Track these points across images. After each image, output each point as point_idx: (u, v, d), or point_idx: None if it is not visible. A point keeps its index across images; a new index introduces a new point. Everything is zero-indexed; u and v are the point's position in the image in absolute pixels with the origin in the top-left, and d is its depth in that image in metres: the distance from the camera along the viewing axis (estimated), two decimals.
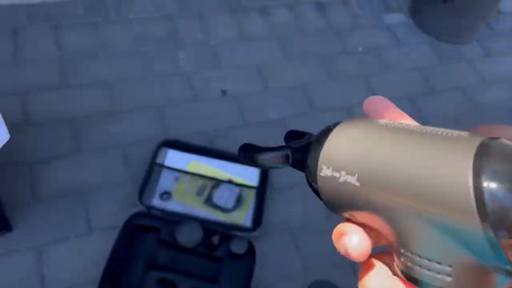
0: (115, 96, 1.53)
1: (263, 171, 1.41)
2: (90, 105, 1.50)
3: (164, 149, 1.40)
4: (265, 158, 0.34)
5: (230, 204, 1.32)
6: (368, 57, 1.89)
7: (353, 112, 1.68)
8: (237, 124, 1.55)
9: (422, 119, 1.72)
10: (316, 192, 0.28)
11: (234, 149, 1.44)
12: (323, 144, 0.27)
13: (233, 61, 1.73)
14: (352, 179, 0.25)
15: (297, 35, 1.88)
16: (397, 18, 2.06)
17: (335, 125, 0.28)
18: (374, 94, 1.73)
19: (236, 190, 1.36)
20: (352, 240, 0.25)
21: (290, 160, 0.32)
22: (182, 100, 1.57)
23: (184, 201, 1.30)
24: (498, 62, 2.02)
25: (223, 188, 1.35)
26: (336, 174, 0.26)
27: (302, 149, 0.31)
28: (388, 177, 0.23)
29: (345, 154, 0.26)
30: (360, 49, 1.90)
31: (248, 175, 1.41)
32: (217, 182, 1.36)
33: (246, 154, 0.35)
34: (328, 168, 0.26)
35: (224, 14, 1.87)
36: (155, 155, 1.38)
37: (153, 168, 1.36)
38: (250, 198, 1.36)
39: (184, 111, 1.54)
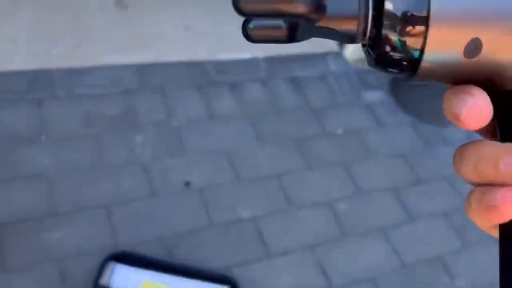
0: (55, 192, 1.28)
1: None
2: (24, 205, 1.23)
3: (111, 265, 1.15)
4: None
5: None
6: (348, 140, 1.72)
7: (335, 208, 1.49)
8: (202, 226, 1.32)
9: (408, 213, 1.55)
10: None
11: (196, 260, 1.20)
12: None
13: (199, 145, 1.52)
14: None
15: (271, 115, 1.70)
16: (376, 96, 1.93)
17: None
18: (355, 185, 1.55)
19: None
20: (478, 99, 0.20)
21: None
22: (137, 197, 1.33)
23: None
24: None
25: None
26: None
27: None
28: None
29: None
30: (340, 131, 1.74)
31: None
32: None
33: None
34: None
35: (190, 90, 1.67)
36: (99, 273, 1.12)
37: None
38: None
39: (138, 211, 1.30)
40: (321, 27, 0.20)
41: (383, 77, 2.04)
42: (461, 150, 0.22)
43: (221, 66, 1.79)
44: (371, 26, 0.20)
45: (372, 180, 1.61)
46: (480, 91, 0.20)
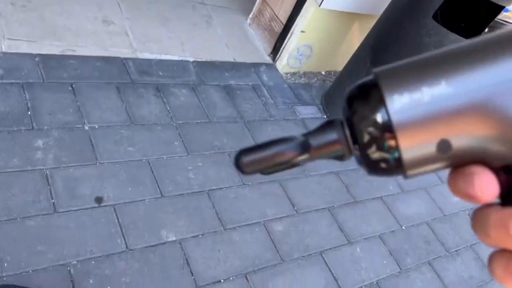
0: None
1: None
2: None
3: None
4: (312, 150, 0.25)
5: None
6: None
7: (271, 228, 1.33)
8: (117, 251, 1.08)
9: (345, 236, 1.44)
10: (391, 149, 0.24)
11: None
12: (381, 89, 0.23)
13: (115, 153, 1.28)
14: (441, 88, 0.23)
15: (202, 124, 1.51)
16: (310, 112, 1.84)
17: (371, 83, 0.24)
18: (292, 204, 1.41)
19: None
20: (482, 178, 0.23)
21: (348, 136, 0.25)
22: (33, 213, 1.05)
23: None
24: None
25: None
26: (416, 95, 0.23)
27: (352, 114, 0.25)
28: None
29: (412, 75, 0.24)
30: None
31: None
32: None
33: (262, 159, 0.26)
34: (401, 95, 0.23)
35: (107, 90, 1.43)
36: None
37: None
38: None
39: (33, 231, 1.02)
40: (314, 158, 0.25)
41: (316, 93, 1.96)
42: (472, 218, 0.24)
43: (145, 66, 1.57)
44: (353, 146, 0.24)
45: (308, 199, 1.49)
46: (480, 168, 0.23)
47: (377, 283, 1.36)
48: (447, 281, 1.51)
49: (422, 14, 1.48)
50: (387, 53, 1.63)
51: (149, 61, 1.60)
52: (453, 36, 1.45)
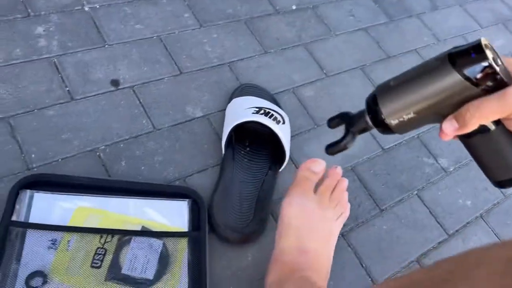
0: None
1: (193, 205, 0.93)
2: None
3: (25, 194, 0.84)
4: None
5: (150, 271, 0.83)
6: (305, 16, 1.45)
7: (300, 94, 1.25)
8: (144, 132, 1.03)
9: None
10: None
11: (143, 174, 0.93)
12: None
13: (122, 33, 1.17)
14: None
15: None
16: None
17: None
18: (320, 67, 1.31)
19: (157, 244, 0.86)
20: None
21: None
22: (49, 102, 1.00)
23: (70, 283, 0.78)
24: (448, 16, 1.72)
25: (134, 245, 0.85)
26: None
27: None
28: None
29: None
30: (294, 7, 1.45)
31: (172, 214, 0.91)
32: (123, 237, 0.85)
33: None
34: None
35: None
36: (10, 206, 0.82)
37: (9, 233, 0.80)
38: (182, 253, 0.87)
39: (53, 120, 0.97)
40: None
41: None
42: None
43: None
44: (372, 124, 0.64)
45: (338, 60, 1.38)
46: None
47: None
48: None
49: None
50: None
51: None
52: None
